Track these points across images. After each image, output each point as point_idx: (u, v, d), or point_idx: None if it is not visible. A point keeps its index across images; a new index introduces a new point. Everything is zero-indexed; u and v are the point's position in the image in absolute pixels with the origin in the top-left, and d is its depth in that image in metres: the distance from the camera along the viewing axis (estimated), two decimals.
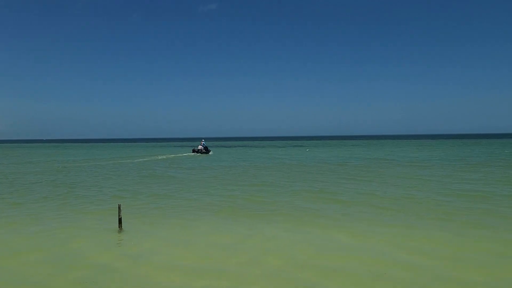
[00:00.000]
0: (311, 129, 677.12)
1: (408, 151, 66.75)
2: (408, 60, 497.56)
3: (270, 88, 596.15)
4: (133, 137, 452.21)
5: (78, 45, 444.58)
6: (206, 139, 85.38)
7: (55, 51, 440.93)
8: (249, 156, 62.53)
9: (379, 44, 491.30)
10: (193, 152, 70.64)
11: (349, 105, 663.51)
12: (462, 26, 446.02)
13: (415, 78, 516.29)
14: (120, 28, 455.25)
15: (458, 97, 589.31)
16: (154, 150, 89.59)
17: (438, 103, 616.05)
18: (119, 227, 13.98)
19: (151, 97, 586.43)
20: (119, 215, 14.10)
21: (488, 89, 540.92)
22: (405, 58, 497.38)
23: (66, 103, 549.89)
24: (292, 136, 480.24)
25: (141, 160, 53.51)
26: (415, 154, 58.26)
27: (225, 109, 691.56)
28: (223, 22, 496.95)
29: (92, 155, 71.13)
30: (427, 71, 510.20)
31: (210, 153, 71.15)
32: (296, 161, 47.91)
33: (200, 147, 70.66)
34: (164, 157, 60.57)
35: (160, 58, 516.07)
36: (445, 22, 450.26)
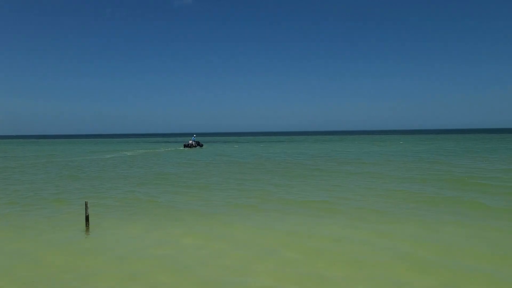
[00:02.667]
0: (307, 125, 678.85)
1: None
2: (404, 58, 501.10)
3: (258, 85, 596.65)
4: (123, 133, 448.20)
5: (50, 40, 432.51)
6: (206, 134, 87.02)
7: (28, 48, 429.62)
8: (216, 153, 59.22)
9: (375, 42, 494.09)
10: (184, 146, 73.18)
11: (345, 101, 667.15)
12: (457, 24, 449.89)
13: (412, 75, 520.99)
14: (94, 23, 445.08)
15: (452, 94, 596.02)
16: (128, 146, 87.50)
17: (432, 100, 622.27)
18: (86, 225, 12.96)
19: (127, 93, 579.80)
20: (86, 213, 13.06)
21: (484, 86, 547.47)
22: (401, 56, 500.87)
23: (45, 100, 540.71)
24: (288, 131, 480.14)
25: (106, 156, 50.99)
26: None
27: (213, 105, 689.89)
28: (199, 17, 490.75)
29: (54, 151, 68.19)
30: (423, 69, 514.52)
31: (204, 146, 75.82)
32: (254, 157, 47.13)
33: (190, 141, 73.87)
34: (131, 153, 58.86)
35: (136, 54, 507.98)
36: (440, 20, 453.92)
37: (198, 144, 75.53)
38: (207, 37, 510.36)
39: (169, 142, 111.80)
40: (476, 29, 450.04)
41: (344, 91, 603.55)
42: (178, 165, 36.79)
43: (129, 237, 11.89)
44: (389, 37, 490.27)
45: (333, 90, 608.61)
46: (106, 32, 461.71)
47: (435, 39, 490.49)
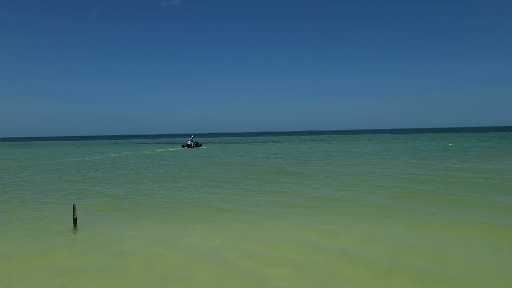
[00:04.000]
0: (304, 124, 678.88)
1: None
2: (403, 55, 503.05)
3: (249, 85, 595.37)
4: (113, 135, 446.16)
5: (31, 41, 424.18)
6: (205, 135, 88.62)
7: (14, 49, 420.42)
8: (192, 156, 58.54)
9: (375, 40, 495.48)
10: (183, 147, 75.26)
11: (342, 100, 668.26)
12: (455, 23, 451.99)
13: (411, 73, 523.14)
14: (79, 24, 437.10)
15: (450, 93, 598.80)
16: (105, 148, 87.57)
17: (431, 98, 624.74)
18: (74, 227, 14.06)
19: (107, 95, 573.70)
20: (74, 215, 14.17)
21: (484, 85, 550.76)
22: (400, 54, 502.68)
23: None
24: (287, 131, 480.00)
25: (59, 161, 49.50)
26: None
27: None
28: (187, 18, 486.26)
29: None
30: (422, 67, 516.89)
31: (204, 146, 78.93)
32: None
33: (189, 142, 76.03)
34: (115, 155, 58.76)
35: (120, 55, 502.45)
36: (438, 17, 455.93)
37: (197, 144, 77.69)
38: (198, 38, 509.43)
39: (163, 143, 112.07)
40: (475, 29, 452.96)
41: (343, 90, 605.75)
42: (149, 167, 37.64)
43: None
44: (386, 35, 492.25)
45: (330, 90, 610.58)
46: (98, 33, 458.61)
47: (434, 38, 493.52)
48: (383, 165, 32.89)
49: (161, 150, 72.29)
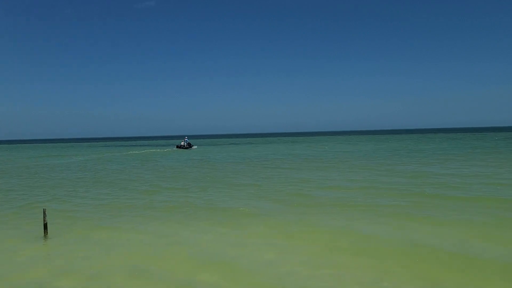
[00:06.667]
0: (305, 125, 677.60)
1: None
2: (403, 55, 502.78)
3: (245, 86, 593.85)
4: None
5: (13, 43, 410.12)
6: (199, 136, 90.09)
7: None
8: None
9: (375, 40, 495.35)
10: (177, 147, 79.17)
11: (346, 100, 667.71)
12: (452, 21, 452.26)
13: (412, 73, 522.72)
14: (50, 25, 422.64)
15: (446, 93, 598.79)
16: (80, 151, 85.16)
17: (431, 98, 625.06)
18: (44, 233, 13.06)
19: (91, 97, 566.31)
20: (44, 220, 13.15)
21: (485, 85, 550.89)
22: (400, 54, 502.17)
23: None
24: (289, 132, 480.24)
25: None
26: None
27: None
28: (162, 20, 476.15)
29: None
30: (422, 67, 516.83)
31: (194, 147, 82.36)
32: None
33: (182, 143, 79.97)
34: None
35: (93, 57, 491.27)
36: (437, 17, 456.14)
37: (189, 145, 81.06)
38: (197, 38, 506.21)
39: (152, 145, 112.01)
40: (475, 29, 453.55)
41: (343, 90, 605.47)
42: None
43: None
44: (386, 35, 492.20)
45: (330, 90, 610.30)
46: (78, 34, 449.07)
47: (434, 38, 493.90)
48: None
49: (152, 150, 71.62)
